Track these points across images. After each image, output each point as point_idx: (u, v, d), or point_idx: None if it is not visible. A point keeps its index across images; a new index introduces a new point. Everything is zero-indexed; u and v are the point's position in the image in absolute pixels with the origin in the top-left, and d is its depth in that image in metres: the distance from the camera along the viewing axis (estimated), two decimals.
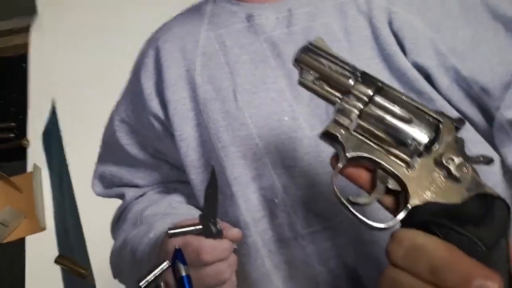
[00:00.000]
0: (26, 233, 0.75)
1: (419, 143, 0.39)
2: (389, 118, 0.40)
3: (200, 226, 0.65)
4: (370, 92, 0.41)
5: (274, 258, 0.64)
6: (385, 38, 0.68)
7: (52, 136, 0.85)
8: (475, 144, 0.65)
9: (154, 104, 0.74)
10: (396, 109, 0.40)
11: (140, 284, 0.63)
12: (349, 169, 0.42)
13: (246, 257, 0.65)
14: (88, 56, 0.94)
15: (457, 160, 0.38)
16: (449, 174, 0.38)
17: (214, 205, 0.67)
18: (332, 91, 0.43)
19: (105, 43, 0.95)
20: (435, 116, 0.40)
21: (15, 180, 0.79)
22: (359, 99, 0.41)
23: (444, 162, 0.38)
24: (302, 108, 0.67)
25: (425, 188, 0.38)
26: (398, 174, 0.39)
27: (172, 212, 0.71)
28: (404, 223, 0.38)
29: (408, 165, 0.39)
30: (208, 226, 0.65)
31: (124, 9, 0.98)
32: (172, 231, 0.65)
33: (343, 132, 0.41)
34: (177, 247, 0.63)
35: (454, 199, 0.37)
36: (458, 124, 0.40)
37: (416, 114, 0.40)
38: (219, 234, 0.64)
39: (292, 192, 0.64)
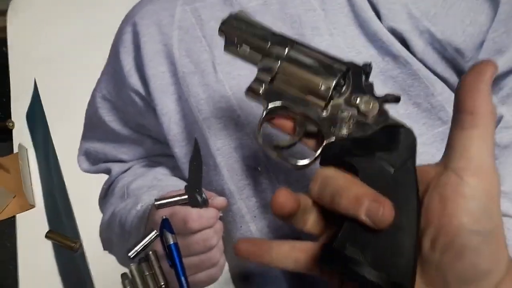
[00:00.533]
0: (16, 211, 0.76)
1: (328, 88, 0.43)
2: (300, 71, 0.45)
3: (186, 196, 0.67)
4: (283, 51, 0.46)
5: (258, 223, 0.66)
6: (360, 5, 0.69)
7: (36, 116, 0.86)
8: (451, 103, 0.66)
9: (134, 80, 0.75)
10: (306, 61, 0.45)
11: (130, 254, 0.65)
12: (276, 121, 0.47)
13: (231, 224, 0.67)
14: (67, 33, 0.93)
15: (364, 98, 0.42)
16: (358, 112, 0.42)
17: (198, 175, 0.69)
18: (254, 53, 0.48)
19: (82, 18, 0.95)
20: (343, 63, 0.45)
21: (2, 161, 0.80)
22: (275, 57, 0.46)
23: (351, 100, 0.43)
24: None
25: (338, 126, 0.43)
26: (312, 117, 0.44)
27: (158, 184, 0.73)
28: (323, 160, 0.43)
29: (322, 108, 0.44)
30: (194, 196, 0.67)
31: None
32: (158, 202, 0.66)
33: (265, 87, 0.47)
34: (164, 217, 0.65)
35: (364, 132, 0.41)
36: (365, 68, 0.44)
37: (325, 64, 0.45)
38: (205, 203, 0.66)
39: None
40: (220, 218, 0.66)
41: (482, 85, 0.36)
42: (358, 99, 0.43)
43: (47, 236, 0.73)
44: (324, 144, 0.43)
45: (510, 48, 0.64)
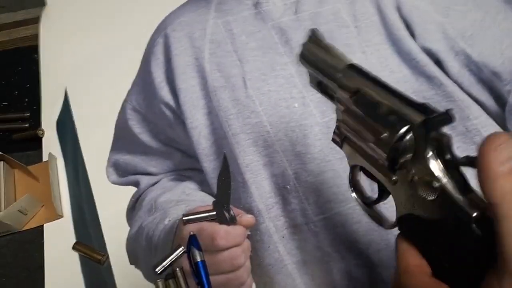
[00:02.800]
0: (44, 220, 0.77)
1: (384, 161, 0.36)
2: (359, 133, 0.39)
3: (214, 213, 0.66)
4: (347, 101, 0.40)
5: (286, 244, 0.65)
6: (394, 23, 0.68)
7: (66, 125, 0.86)
8: (488, 128, 0.65)
9: (165, 93, 0.75)
10: (361, 125, 0.38)
11: (156, 269, 0.65)
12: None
13: (259, 243, 0.66)
14: (98, 41, 0.94)
15: (422, 176, 0.33)
16: (415, 189, 0.34)
17: (227, 192, 0.69)
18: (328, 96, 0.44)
19: (113, 29, 0.96)
20: (404, 120, 0.34)
21: (32, 169, 0.81)
22: (341, 105, 0.41)
23: (409, 179, 0.34)
24: (312, 94, 0.68)
25: (406, 199, 0.35)
26: (384, 184, 0.38)
27: (186, 199, 0.72)
28: (399, 228, 0.37)
29: (391, 176, 0.36)
30: (222, 213, 0.66)
31: None
32: (186, 218, 0.66)
33: (340, 141, 0.42)
34: (191, 233, 0.64)
35: (428, 214, 0.33)
36: (432, 122, 0.33)
37: (383, 124, 0.36)
38: (232, 220, 0.65)
39: (304, 178, 0.65)
40: (248, 237, 0.65)
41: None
42: (416, 176, 0.33)
43: (74, 248, 0.73)
44: (397, 217, 0.37)
45: None
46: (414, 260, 0.35)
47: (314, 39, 0.45)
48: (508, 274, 0.27)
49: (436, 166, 0.33)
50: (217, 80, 0.71)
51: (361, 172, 0.42)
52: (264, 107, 0.69)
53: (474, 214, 0.30)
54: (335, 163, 0.64)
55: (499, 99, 0.64)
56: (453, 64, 0.66)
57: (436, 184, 0.32)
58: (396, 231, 0.38)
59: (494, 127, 0.65)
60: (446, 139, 0.33)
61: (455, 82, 0.65)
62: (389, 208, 0.40)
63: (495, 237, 0.28)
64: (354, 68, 0.41)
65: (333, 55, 0.43)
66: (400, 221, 0.37)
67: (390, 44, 0.68)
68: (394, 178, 0.36)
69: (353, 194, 0.43)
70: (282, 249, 0.65)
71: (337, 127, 0.42)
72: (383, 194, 0.40)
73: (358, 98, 0.39)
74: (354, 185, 0.43)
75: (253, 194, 0.66)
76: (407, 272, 0.34)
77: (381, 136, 0.35)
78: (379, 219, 0.41)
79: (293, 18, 0.73)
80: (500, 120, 0.65)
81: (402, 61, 0.67)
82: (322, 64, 0.43)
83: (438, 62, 0.66)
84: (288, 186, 0.66)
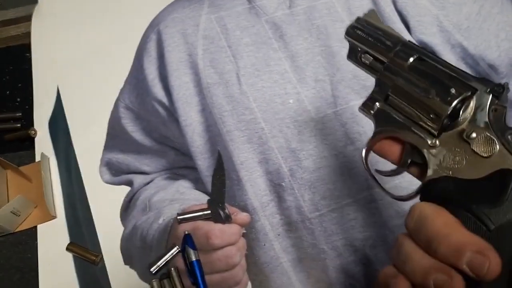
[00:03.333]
0: (38, 221, 0.76)
1: (438, 117, 0.38)
2: (412, 93, 0.40)
3: (209, 211, 0.66)
4: (401, 66, 0.41)
5: (282, 242, 0.64)
6: (389, 16, 0.67)
7: (58, 124, 0.85)
8: None
9: (157, 90, 0.74)
10: (422, 83, 0.39)
11: (151, 269, 0.64)
12: (382, 145, 0.43)
13: (254, 241, 0.65)
14: (90, 39, 0.93)
15: (482, 133, 0.36)
16: (470, 149, 0.36)
17: (221, 190, 0.68)
18: (375, 64, 0.44)
19: (106, 25, 0.94)
20: (468, 85, 0.38)
21: (24, 169, 0.80)
22: (393, 73, 0.41)
23: (466, 134, 0.37)
24: (307, 90, 0.67)
25: (445, 162, 0.37)
26: (420, 148, 0.39)
27: (180, 197, 0.72)
28: (423, 196, 0.39)
29: (433, 138, 0.38)
30: (217, 211, 0.66)
31: None
32: (181, 217, 0.65)
33: (377, 107, 0.42)
34: (186, 232, 0.63)
35: (473, 174, 0.36)
36: (495, 91, 0.37)
37: (442, 85, 0.38)
38: (227, 219, 0.65)
39: (299, 175, 0.65)
40: (243, 235, 0.64)
41: None
42: (474, 133, 0.36)
43: (68, 249, 0.72)
44: (425, 180, 0.38)
45: None
46: (451, 216, 0.35)
47: (372, 15, 0.45)
48: None
49: (495, 128, 0.36)
50: (210, 77, 0.71)
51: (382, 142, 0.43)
52: (259, 103, 0.68)
53: None
54: (330, 160, 0.64)
55: None
56: (449, 57, 0.65)
57: (496, 141, 0.35)
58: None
59: None
60: (502, 110, 0.37)
61: None
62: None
63: None
64: (412, 44, 0.42)
65: (391, 30, 0.44)
66: (428, 186, 0.38)
67: None
68: (434, 141, 0.38)
69: (365, 160, 0.43)
70: (277, 246, 0.64)
71: (372, 97, 0.43)
72: (400, 168, 0.42)
73: (419, 63, 0.41)
74: (370, 149, 0.44)
75: (248, 192, 0.66)
76: (449, 225, 0.34)
77: (449, 93, 0.38)
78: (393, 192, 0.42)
79: (287, 12, 0.72)
80: None
81: None
82: (378, 33, 0.44)
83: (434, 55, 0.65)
84: (283, 183, 0.65)
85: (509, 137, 0.35)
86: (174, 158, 0.76)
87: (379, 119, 0.42)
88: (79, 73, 0.90)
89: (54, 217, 0.76)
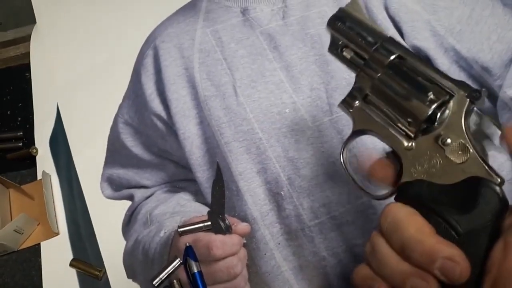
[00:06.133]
0: (41, 238, 0.76)
1: (417, 121, 0.38)
2: (392, 94, 0.39)
3: (209, 223, 0.66)
4: (381, 64, 0.41)
5: (282, 251, 0.65)
6: (382, 23, 0.68)
7: (59, 142, 0.86)
8: None
9: (155, 104, 0.75)
10: (400, 85, 0.39)
11: (154, 282, 0.64)
12: (376, 167, 0.42)
13: (255, 251, 0.65)
14: (89, 58, 0.94)
15: (456, 139, 0.36)
16: (444, 155, 0.36)
17: (221, 201, 0.68)
18: (355, 61, 0.43)
19: (105, 44, 0.96)
20: (445, 90, 0.38)
21: (26, 188, 0.80)
22: (373, 70, 0.41)
23: (441, 140, 0.37)
24: (303, 99, 0.68)
25: (420, 165, 0.37)
26: (395, 149, 0.39)
27: (181, 210, 0.72)
28: (397, 197, 0.39)
29: (409, 140, 0.39)
30: (217, 222, 0.66)
31: (121, 8, 0.98)
32: (182, 229, 0.66)
33: (355, 104, 0.42)
34: (187, 244, 0.64)
35: (446, 180, 0.36)
36: (472, 96, 0.37)
37: (421, 89, 0.38)
38: (228, 230, 0.65)
39: (297, 183, 0.65)
40: (244, 245, 0.65)
41: None
42: (449, 139, 0.36)
43: (71, 265, 0.73)
44: (400, 183, 0.38)
45: None
46: (424, 222, 0.35)
47: (354, 6, 0.44)
48: None
49: (469, 135, 0.36)
50: (207, 89, 0.71)
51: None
52: (255, 114, 0.68)
53: (499, 180, 0.34)
54: (327, 167, 0.64)
55: (490, 94, 0.64)
56: (443, 61, 0.66)
57: (470, 148, 0.35)
58: None
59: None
60: (479, 115, 0.39)
61: None
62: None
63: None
64: (394, 40, 0.42)
65: (372, 24, 0.43)
66: (403, 188, 0.38)
67: None
68: (410, 144, 0.38)
69: (343, 157, 0.44)
70: (278, 256, 0.64)
71: (352, 94, 0.43)
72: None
73: (398, 63, 0.40)
74: (345, 146, 0.44)
75: (247, 202, 0.66)
76: (422, 232, 0.35)
77: (427, 97, 0.37)
78: (367, 190, 0.43)
79: (281, 23, 0.73)
80: (491, 115, 0.65)
81: None
82: (360, 28, 0.43)
83: (428, 60, 0.66)
84: (282, 192, 0.65)
85: (482, 144, 0.36)
86: (173, 171, 0.77)
87: (358, 118, 0.42)
88: (78, 92, 0.91)
89: (57, 233, 0.76)
